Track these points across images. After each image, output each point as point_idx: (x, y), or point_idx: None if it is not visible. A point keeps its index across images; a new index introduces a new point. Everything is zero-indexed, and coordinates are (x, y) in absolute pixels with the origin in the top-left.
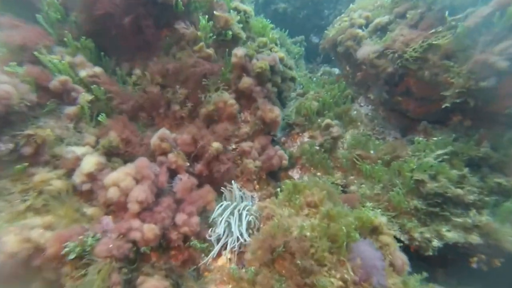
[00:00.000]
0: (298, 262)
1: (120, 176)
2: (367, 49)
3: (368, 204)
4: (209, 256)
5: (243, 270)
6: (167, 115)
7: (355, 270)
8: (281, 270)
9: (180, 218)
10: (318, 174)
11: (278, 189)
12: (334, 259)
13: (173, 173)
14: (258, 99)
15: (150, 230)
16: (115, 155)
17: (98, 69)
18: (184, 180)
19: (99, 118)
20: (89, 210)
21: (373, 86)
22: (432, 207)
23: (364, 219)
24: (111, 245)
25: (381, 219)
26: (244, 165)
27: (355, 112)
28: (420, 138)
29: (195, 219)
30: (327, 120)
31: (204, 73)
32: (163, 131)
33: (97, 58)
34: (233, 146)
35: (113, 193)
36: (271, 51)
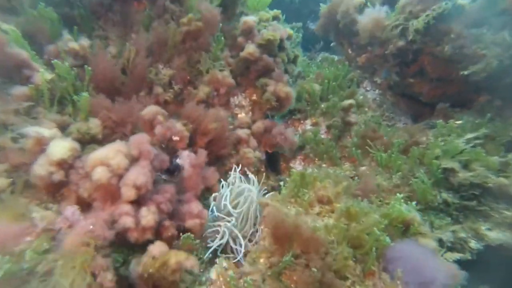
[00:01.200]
0: (314, 269)
1: (108, 153)
2: (372, 16)
3: (399, 195)
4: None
5: (241, 281)
6: (150, 98)
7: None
8: (290, 283)
9: (195, 207)
10: (324, 165)
11: (281, 183)
12: (357, 269)
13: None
14: (275, 69)
15: (150, 213)
16: (92, 142)
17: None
18: (192, 156)
19: (75, 98)
20: (40, 214)
21: (380, 68)
22: (466, 200)
23: (394, 215)
24: (91, 226)
25: (415, 215)
26: (241, 155)
27: (361, 97)
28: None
29: (206, 213)
30: (350, 101)
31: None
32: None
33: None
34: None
35: (101, 174)
36: (272, 26)
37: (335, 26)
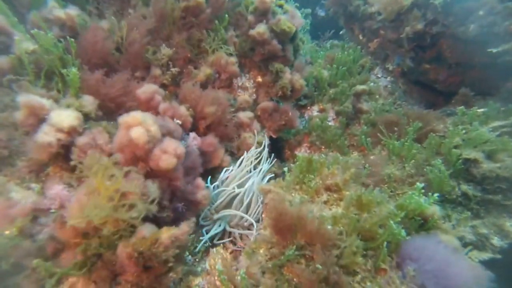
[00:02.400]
0: (319, 266)
1: (146, 118)
2: None
3: (419, 184)
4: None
5: (238, 274)
6: (146, 80)
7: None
8: (292, 277)
9: (201, 181)
10: (331, 153)
11: (285, 169)
12: (368, 265)
13: None
14: (290, 58)
15: (154, 185)
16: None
17: (73, 11)
18: (199, 138)
19: (64, 72)
20: (20, 194)
21: (393, 54)
22: (490, 194)
23: (411, 207)
24: None
25: (435, 209)
26: (242, 140)
27: (372, 83)
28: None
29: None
30: (363, 86)
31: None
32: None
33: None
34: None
35: (140, 134)
36: (282, 8)
37: (344, 9)
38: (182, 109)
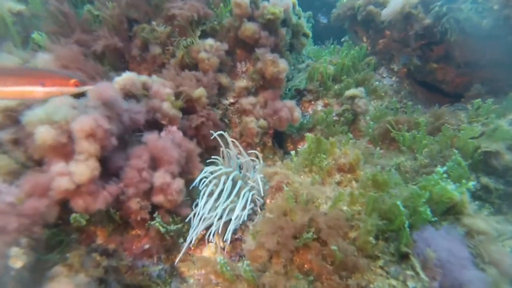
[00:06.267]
0: (334, 247)
1: (48, 107)
2: (397, 2)
3: (440, 169)
4: (187, 242)
5: (240, 264)
6: (145, 59)
7: (430, 271)
8: (303, 264)
9: (160, 178)
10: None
11: (293, 152)
12: (391, 248)
13: None
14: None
15: (80, 164)
16: None
17: None
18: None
19: (33, 36)
20: None
21: (398, 54)
22: None
23: (436, 191)
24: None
25: (465, 197)
26: (243, 125)
27: (377, 82)
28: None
29: (178, 184)
30: (353, 91)
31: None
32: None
33: None
34: (231, 100)
35: (44, 134)
36: None
37: (351, 14)
38: (165, 106)
